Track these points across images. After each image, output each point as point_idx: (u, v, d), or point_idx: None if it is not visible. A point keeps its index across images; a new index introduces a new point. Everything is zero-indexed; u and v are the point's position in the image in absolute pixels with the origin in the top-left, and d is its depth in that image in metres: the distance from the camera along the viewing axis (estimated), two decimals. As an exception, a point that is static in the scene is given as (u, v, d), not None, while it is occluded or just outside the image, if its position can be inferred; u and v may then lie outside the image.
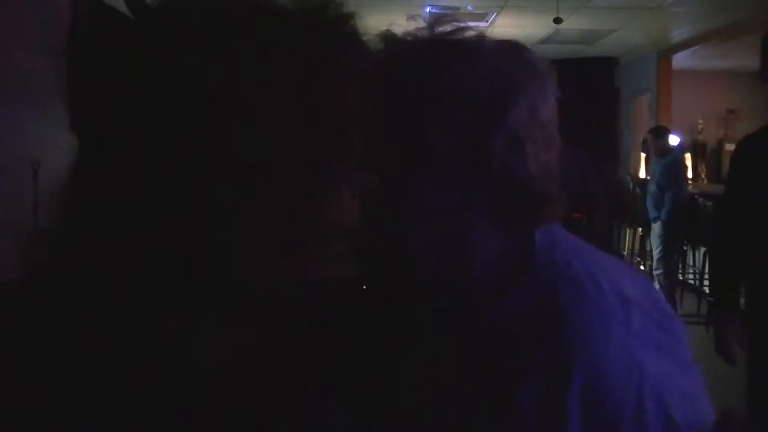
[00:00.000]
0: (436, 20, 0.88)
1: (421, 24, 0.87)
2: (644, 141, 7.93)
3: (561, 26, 6.90)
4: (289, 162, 0.61)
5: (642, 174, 8.46)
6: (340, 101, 0.64)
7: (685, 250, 7.44)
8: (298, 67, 0.62)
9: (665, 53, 8.97)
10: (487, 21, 7.21)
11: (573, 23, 7.22)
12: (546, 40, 8.39)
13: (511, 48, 0.88)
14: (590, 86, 5.42)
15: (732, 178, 2.85)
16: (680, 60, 8.92)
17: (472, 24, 0.88)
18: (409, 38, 0.86)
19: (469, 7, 6.70)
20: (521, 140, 0.82)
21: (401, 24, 0.87)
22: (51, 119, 4.09)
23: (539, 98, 0.85)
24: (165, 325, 0.60)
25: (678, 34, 8.07)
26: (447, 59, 0.83)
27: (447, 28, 0.87)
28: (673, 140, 7.22)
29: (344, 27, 0.67)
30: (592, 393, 0.75)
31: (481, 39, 0.87)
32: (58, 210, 0.67)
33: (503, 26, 7.37)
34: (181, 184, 0.59)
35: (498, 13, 7.00)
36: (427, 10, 6.63)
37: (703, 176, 9.85)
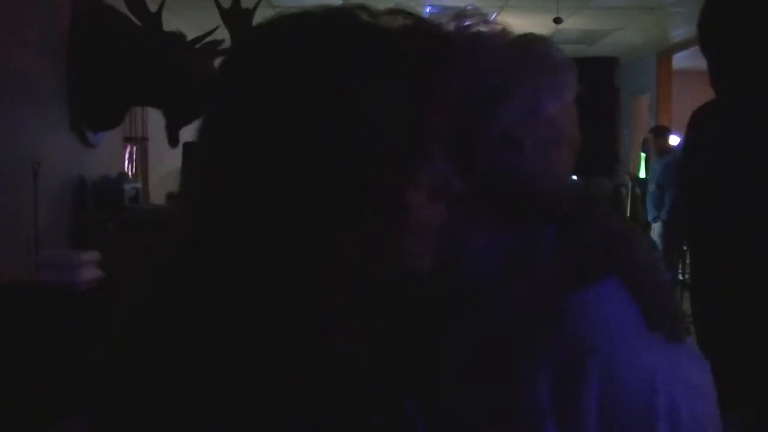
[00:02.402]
0: (458, 14, 0.86)
1: (446, 19, 0.85)
2: (644, 141, 7.91)
3: (561, 26, 6.89)
4: (387, 159, 0.66)
5: (642, 174, 8.45)
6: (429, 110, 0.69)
7: (685, 250, 7.44)
8: (402, 81, 0.67)
9: (665, 53, 8.97)
10: (487, 21, 7.21)
11: (573, 23, 7.21)
12: (546, 40, 8.39)
13: (519, 44, 0.85)
14: (590, 86, 5.38)
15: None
16: (680, 60, 8.92)
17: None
18: None
19: (469, 7, 6.70)
20: (516, 139, 0.80)
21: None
22: (51, 119, 4.10)
23: (544, 95, 0.82)
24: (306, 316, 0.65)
25: (678, 34, 8.07)
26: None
27: (468, 22, 0.85)
28: (674, 140, 7.22)
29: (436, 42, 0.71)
30: (609, 385, 0.75)
31: (487, 34, 0.85)
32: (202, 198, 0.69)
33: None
34: (314, 188, 0.64)
35: (498, 13, 7.00)
36: (427, 10, 6.62)
37: (703, 176, 9.83)
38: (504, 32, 0.86)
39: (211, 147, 0.69)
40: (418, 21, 0.71)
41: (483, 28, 0.86)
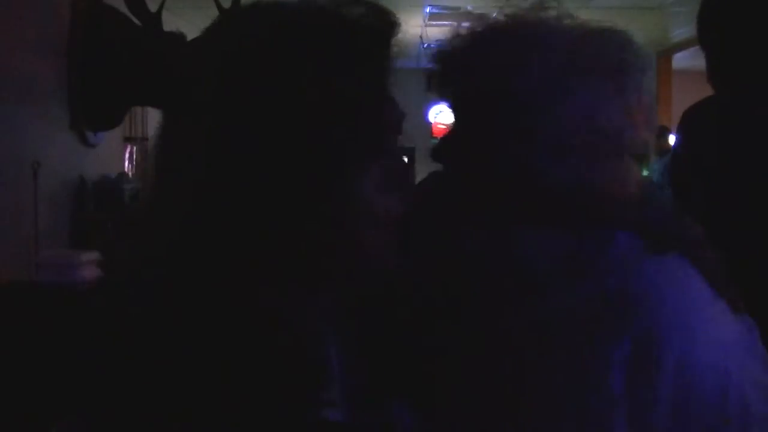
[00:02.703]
0: (537, 5, 0.82)
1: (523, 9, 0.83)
2: (644, 141, 7.87)
3: (561, 26, 6.89)
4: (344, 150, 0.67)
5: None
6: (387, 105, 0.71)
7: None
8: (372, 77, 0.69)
9: (665, 53, 8.96)
10: (487, 21, 7.20)
11: (573, 23, 7.22)
12: (546, 40, 8.39)
13: (586, 39, 0.80)
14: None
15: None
16: (680, 60, 8.92)
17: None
18: (484, 26, 0.84)
19: (469, 7, 6.69)
20: (564, 146, 0.75)
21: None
22: (51, 119, 4.10)
23: (600, 99, 0.76)
24: (268, 303, 0.66)
25: (678, 34, 8.07)
26: (483, 53, 0.80)
27: (544, 14, 0.81)
28: (674, 140, 7.22)
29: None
30: (682, 373, 0.73)
31: (549, 30, 0.80)
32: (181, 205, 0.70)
33: (503, 26, 7.37)
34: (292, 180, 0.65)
35: (498, 14, 6.99)
36: (427, 10, 6.61)
37: (703, 176, 9.83)
38: (579, 26, 0.81)
39: (188, 145, 0.69)
40: (382, 14, 0.71)
41: (565, 21, 0.82)
